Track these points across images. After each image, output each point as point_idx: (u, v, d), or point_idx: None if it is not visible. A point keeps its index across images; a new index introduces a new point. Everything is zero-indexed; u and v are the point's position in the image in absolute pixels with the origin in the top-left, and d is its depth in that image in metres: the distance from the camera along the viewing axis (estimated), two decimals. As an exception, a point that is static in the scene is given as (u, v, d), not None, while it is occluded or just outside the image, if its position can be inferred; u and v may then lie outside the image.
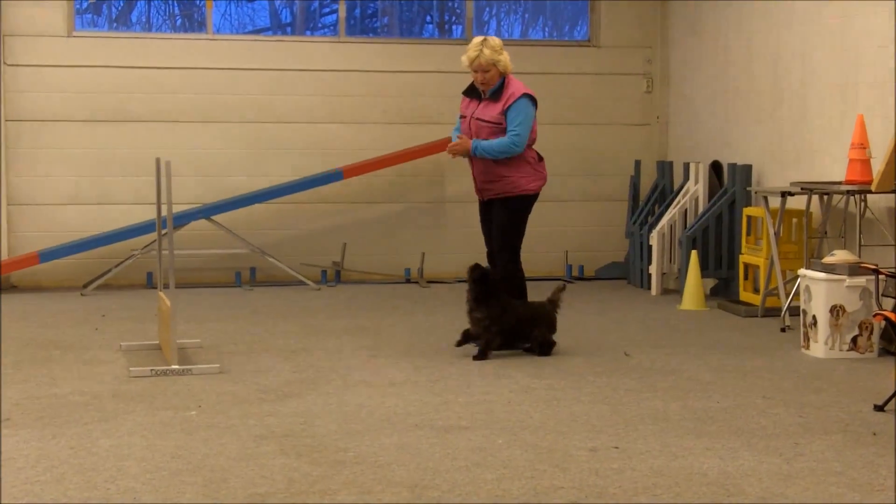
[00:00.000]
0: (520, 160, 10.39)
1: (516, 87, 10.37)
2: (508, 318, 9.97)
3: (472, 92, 10.60)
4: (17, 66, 14.84)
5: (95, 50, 15.12)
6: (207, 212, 14.71)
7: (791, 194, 11.80)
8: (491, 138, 10.33)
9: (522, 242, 10.67)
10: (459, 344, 10.11)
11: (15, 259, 14.56)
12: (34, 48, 14.89)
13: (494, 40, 10.30)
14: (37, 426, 7.66)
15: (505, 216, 10.50)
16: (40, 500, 6.07)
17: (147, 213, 14.61)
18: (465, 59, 10.33)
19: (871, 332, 10.17)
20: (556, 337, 10.29)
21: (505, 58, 10.32)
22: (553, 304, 10.25)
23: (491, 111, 10.36)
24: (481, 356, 9.90)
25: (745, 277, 13.11)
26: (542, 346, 10.14)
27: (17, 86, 14.86)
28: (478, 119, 10.42)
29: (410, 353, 10.29)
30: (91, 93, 15.09)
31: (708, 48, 15.08)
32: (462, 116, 10.64)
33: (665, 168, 15.55)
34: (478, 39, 10.29)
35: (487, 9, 16.78)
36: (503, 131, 10.30)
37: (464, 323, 10.16)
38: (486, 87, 10.36)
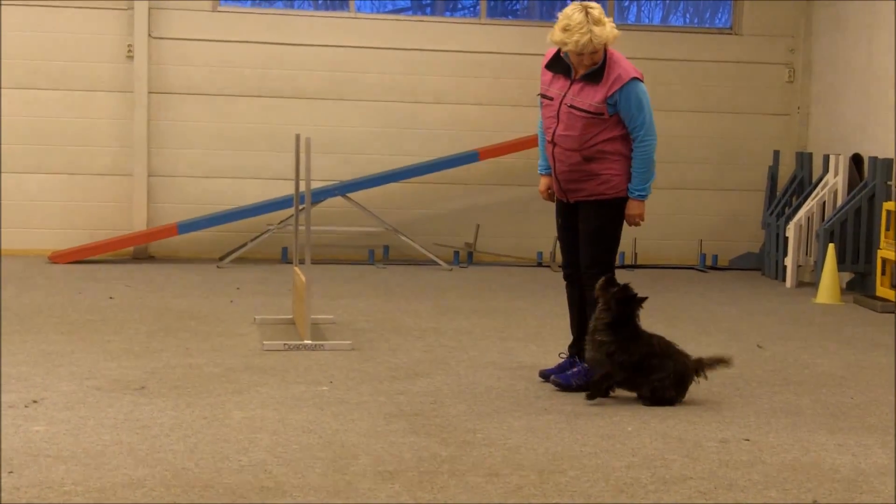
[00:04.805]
0: (617, 154, 8.23)
1: (623, 66, 8.16)
2: (638, 348, 7.98)
3: (558, 65, 8.32)
4: (162, 38, 15.06)
5: (239, 25, 15.30)
6: (343, 189, 14.83)
7: (933, 190, 11.62)
8: (586, 132, 8.14)
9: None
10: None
11: (154, 230, 14.81)
12: (179, 22, 15.11)
13: (596, 9, 8.06)
14: (171, 395, 7.78)
15: (597, 224, 8.32)
16: (173, 468, 6.16)
17: (282, 189, 14.78)
18: (565, 42, 8.05)
19: None
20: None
21: (611, 28, 8.06)
22: (700, 365, 8.10)
23: (589, 97, 8.13)
24: (596, 392, 7.97)
25: (883, 273, 12.91)
26: (654, 394, 7.95)
27: (161, 58, 15.08)
28: (571, 107, 8.18)
29: (540, 337, 10.28)
30: (233, 67, 15.27)
31: (852, 40, 14.84)
32: (546, 98, 8.39)
33: (804, 159, 15.35)
34: (579, 16, 7.99)
35: (629, -7, 16.70)
36: (601, 122, 8.13)
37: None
38: (589, 68, 8.16)
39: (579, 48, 7.98)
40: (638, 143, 8.18)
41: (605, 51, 8.13)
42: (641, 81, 8.19)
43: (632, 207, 8.31)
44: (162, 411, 7.37)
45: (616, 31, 8.09)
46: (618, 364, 7.90)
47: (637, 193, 8.27)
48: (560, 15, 8.14)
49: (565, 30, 8.03)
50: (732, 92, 16.13)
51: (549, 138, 8.37)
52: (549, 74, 8.37)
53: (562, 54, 8.25)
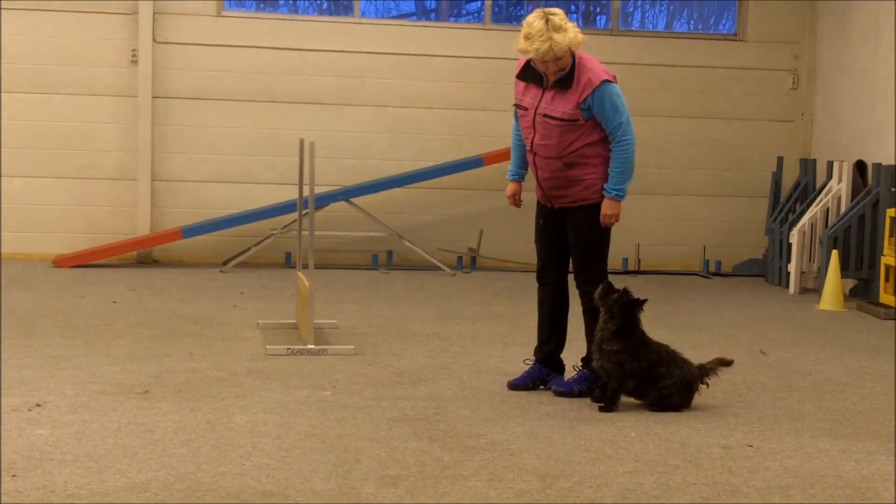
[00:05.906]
0: (598, 157, 8.14)
1: (593, 69, 8.05)
2: (647, 356, 7.92)
3: (529, 74, 8.23)
4: (167, 44, 15.09)
5: (243, 30, 15.33)
6: (347, 194, 14.84)
7: (937, 196, 11.61)
8: (563, 139, 8.07)
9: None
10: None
11: (158, 234, 14.82)
12: (184, 27, 15.13)
13: (557, 16, 7.94)
14: (175, 399, 7.78)
15: (586, 230, 8.24)
16: (176, 472, 6.16)
17: (286, 194, 14.80)
18: (527, 50, 8.00)
19: None
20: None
21: (574, 33, 7.95)
22: (704, 371, 8.07)
23: (562, 104, 8.05)
24: (611, 406, 7.91)
25: (886, 279, 12.90)
26: (662, 401, 7.90)
27: (166, 63, 15.11)
28: (545, 116, 8.11)
29: (544, 343, 10.26)
30: (237, 72, 15.30)
31: (857, 47, 14.84)
32: (521, 108, 8.31)
33: (808, 166, 15.35)
34: (539, 23, 7.92)
35: (632, 0, 16.70)
36: (577, 128, 8.04)
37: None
38: (557, 75, 8.08)
39: (540, 56, 7.92)
40: (616, 142, 8.07)
41: (574, 56, 8.05)
42: (613, 83, 8.07)
43: (606, 207, 8.14)
44: (165, 415, 7.37)
45: (580, 37, 7.98)
46: (628, 373, 7.83)
47: (614, 193, 8.12)
48: (524, 23, 8.07)
49: (527, 38, 7.98)
50: (736, 98, 16.14)
51: (529, 147, 8.32)
52: (522, 85, 8.29)
53: (532, 63, 8.17)
